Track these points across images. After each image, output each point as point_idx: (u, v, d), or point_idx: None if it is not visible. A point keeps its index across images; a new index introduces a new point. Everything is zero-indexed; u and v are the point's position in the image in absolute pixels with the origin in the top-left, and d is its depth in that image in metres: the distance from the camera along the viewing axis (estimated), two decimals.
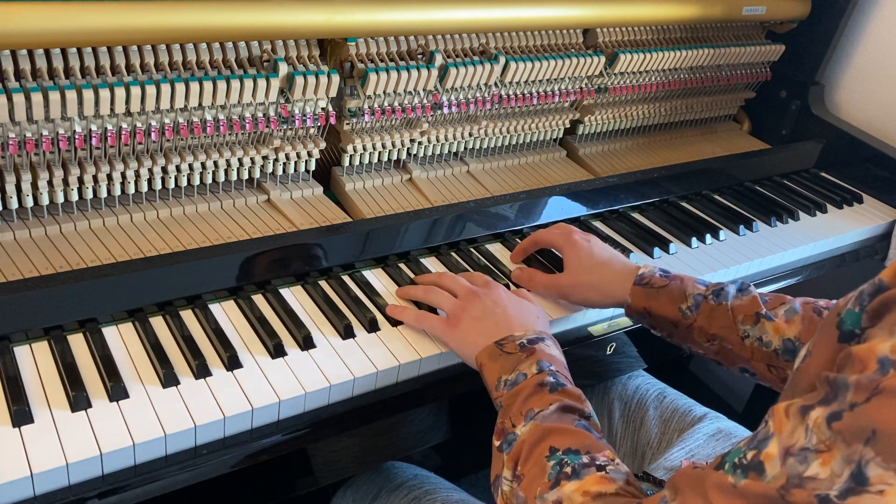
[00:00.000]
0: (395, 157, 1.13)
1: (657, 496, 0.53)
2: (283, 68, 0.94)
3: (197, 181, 0.98)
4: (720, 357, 0.83)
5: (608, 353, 0.98)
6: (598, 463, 0.60)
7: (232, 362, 0.76)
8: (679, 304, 0.83)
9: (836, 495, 0.42)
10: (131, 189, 0.93)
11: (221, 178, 0.99)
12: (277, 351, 0.79)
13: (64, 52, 0.83)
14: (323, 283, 0.91)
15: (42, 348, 0.74)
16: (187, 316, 0.82)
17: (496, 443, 0.68)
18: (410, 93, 1.06)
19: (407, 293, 0.90)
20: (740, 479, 0.46)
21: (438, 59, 1.05)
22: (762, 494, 0.45)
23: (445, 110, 1.10)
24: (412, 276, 0.94)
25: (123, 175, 0.91)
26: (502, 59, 1.10)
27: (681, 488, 0.50)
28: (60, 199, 0.88)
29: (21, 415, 0.66)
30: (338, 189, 1.12)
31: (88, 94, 0.81)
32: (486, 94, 1.13)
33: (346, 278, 0.92)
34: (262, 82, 0.91)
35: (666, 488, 0.53)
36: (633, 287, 0.86)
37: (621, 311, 0.99)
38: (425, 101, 1.08)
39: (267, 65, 0.95)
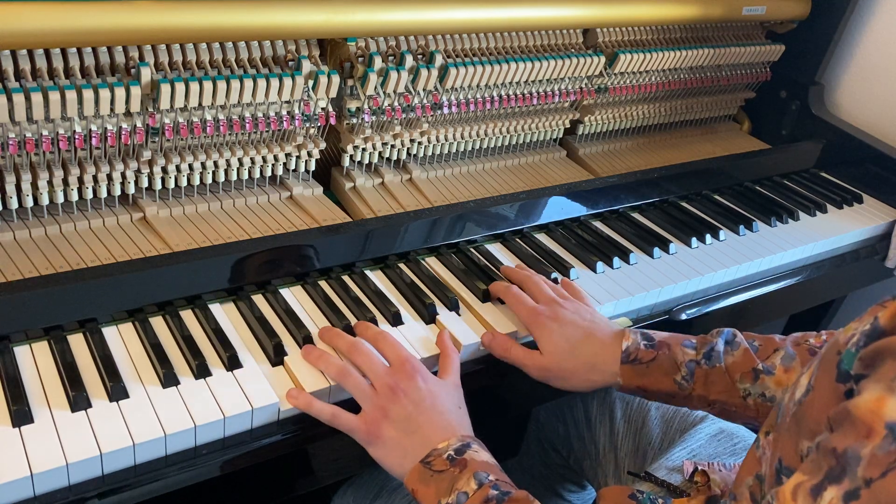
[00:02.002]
0: (395, 157, 1.13)
1: None
2: (307, 66, 0.94)
3: (197, 181, 0.97)
4: (724, 417, 0.82)
5: None
6: None
7: (232, 362, 0.76)
8: (673, 376, 0.80)
9: None
10: (131, 189, 0.93)
11: (221, 178, 0.99)
12: (277, 351, 0.78)
13: (64, 52, 0.83)
14: (323, 283, 0.90)
15: (42, 348, 0.74)
16: (187, 316, 0.82)
17: None
18: (411, 93, 1.06)
19: (319, 362, 0.78)
20: None
21: (438, 60, 1.05)
22: None
23: (445, 110, 1.10)
24: (412, 276, 0.94)
25: (123, 175, 0.91)
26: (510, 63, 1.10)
27: None
28: (60, 199, 0.88)
29: (21, 415, 0.66)
30: (338, 189, 1.12)
31: (88, 94, 0.81)
32: (486, 95, 1.13)
33: (346, 278, 0.92)
34: (262, 82, 0.91)
35: None
36: (621, 367, 0.81)
37: (621, 310, 1.00)
38: (425, 101, 1.08)
39: (265, 66, 0.95)
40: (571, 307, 0.87)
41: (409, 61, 1.02)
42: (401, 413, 0.73)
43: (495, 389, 0.90)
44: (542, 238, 1.09)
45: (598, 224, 1.14)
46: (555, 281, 0.96)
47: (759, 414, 0.79)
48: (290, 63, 0.97)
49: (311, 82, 0.95)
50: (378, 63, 1.00)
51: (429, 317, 0.88)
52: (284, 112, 0.97)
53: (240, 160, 0.99)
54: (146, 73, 0.85)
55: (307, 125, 0.99)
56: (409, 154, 1.15)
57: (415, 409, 0.73)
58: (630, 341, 0.82)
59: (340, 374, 0.76)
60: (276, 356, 0.78)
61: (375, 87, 1.01)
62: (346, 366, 0.77)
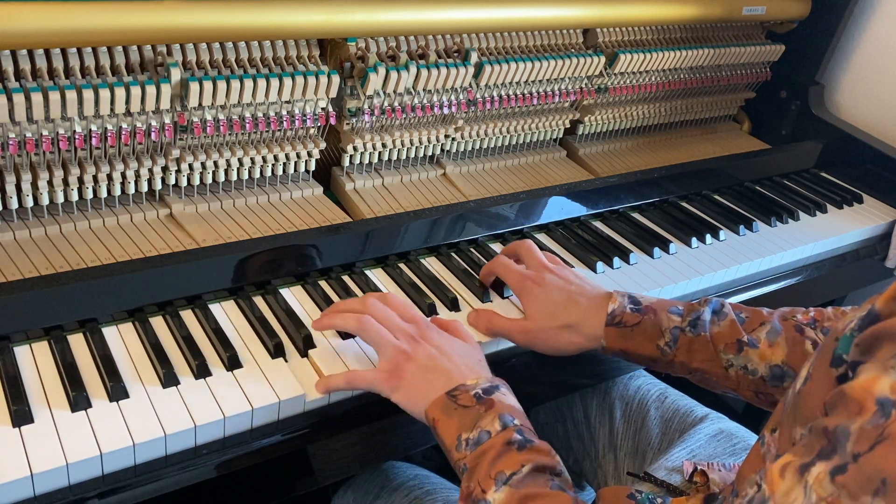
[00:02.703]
0: (394, 158, 1.13)
1: None
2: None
3: (197, 181, 0.97)
4: (703, 385, 0.82)
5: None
6: None
7: (232, 362, 0.76)
8: (656, 342, 0.80)
9: None
10: (131, 189, 0.93)
11: (221, 178, 0.99)
12: (277, 351, 0.79)
13: (64, 52, 0.83)
14: (323, 283, 0.90)
15: (42, 348, 0.74)
16: (187, 316, 0.82)
17: None
18: (411, 93, 1.06)
19: (333, 322, 0.79)
20: None
21: (433, 57, 1.05)
22: None
23: (445, 110, 1.10)
24: (412, 276, 0.94)
25: (123, 175, 0.91)
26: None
27: None
28: (60, 199, 0.88)
29: (21, 415, 0.66)
30: (338, 189, 1.12)
31: (88, 94, 0.81)
32: (485, 95, 1.13)
33: (346, 278, 0.92)
34: (261, 82, 0.91)
35: None
36: (605, 329, 0.81)
37: None
38: (425, 101, 1.08)
39: (266, 66, 0.95)
40: (559, 272, 0.87)
41: (408, 61, 1.02)
42: (424, 354, 0.74)
43: None
44: (542, 238, 1.09)
45: (598, 224, 1.15)
46: None
47: (740, 386, 0.78)
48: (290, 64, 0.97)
49: (312, 83, 0.95)
50: (378, 63, 1.00)
51: (429, 316, 0.88)
52: (284, 112, 0.97)
53: (240, 160, 0.99)
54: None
55: (307, 125, 0.99)
56: (408, 154, 1.15)
57: (437, 351, 0.74)
58: (616, 304, 0.81)
59: (360, 325, 0.76)
60: (277, 356, 0.78)
61: (375, 89, 1.01)
62: (366, 316, 0.77)
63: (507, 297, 0.93)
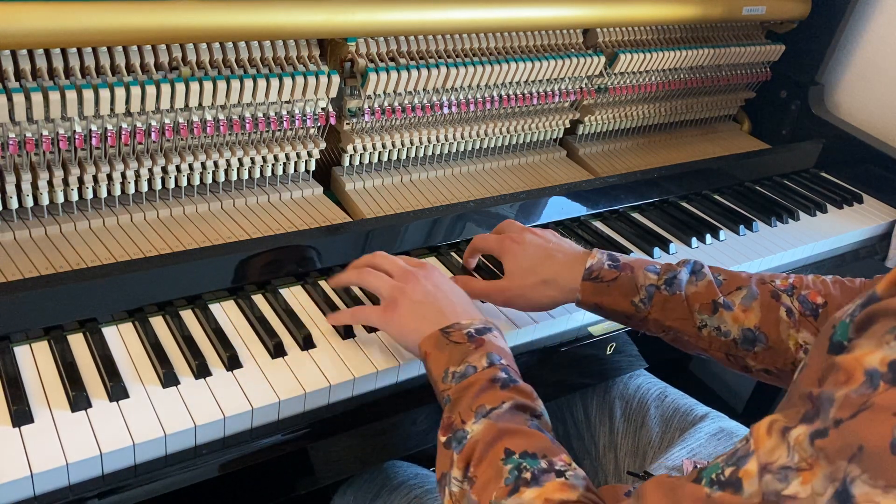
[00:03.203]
0: (394, 157, 1.13)
1: (624, 503, 0.51)
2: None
3: (197, 181, 0.98)
4: (676, 344, 0.82)
5: (608, 352, 0.98)
6: (557, 468, 0.58)
7: (232, 362, 0.76)
8: (631, 298, 0.80)
9: None
10: (131, 189, 0.93)
11: (221, 178, 0.99)
12: (277, 351, 0.79)
13: (64, 52, 0.83)
14: (323, 284, 0.90)
15: (42, 348, 0.74)
16: (187, 316, 0.82)
17: (442, 438, 0.65)
18: (411, 93, 1.06)
19: (339, 281, 0.84)
20: (716, 492, 0.45)
21: (437, 59, 1.05)
22: None
23: (445, 110, 1.10)
24: None
25: (123, 175, 0.91)
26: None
27: (647, 495, 0.49)
28: (60, 199, 0.88)
29: (21, 415, 0.66)
30: (338, 189, 1.12)
31: (88, 94, 0.81)
32: (486, 95, 1.13)
33: None
34: (262, 82, 0.91)
35: (633, 496, 0.51)
36: (581, 283, 0.81)
37: None
38: (425, 101, 1.08)
39: (266, 66, 0.95)
40: (539, 232, 0.89)
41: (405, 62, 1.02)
42: (419, 289, 0.76)
43: None
44: None
45: (598, 224, 1.14)
46: None
47: (711, 346, 0.79)
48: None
49: (312, 83, 0.95)
50: (380, 69, 1.00)
51: None
52: (284, 112, 0.97)
53: (240, 160, 0.99)
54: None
55: (307, 125, 0.99)
56: (408, 154, 1.15)
57: (434, 288, 0.77)
58: (595, 260, 0.82)
59: (360, 275, 0.81)
60: (277, 356, 0.78)
61: (375, 89, 1.01)
62: (366, 268, 0.81)
63: None
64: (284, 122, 0.97)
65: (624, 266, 0.82)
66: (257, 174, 1.02)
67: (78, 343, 0.76)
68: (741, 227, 1.19)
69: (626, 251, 1.06)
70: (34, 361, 0.73)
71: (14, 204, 0.86)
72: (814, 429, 0.42)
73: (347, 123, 1.06)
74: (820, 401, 0.43)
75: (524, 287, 0.84)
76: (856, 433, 0.40)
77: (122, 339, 0.77)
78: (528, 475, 0.57)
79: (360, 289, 0.91)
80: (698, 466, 0.82)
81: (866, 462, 0.39)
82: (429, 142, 1.14)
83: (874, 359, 0.41)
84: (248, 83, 0.90)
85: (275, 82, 0.92)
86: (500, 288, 0.85)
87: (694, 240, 1.13)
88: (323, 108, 1.00)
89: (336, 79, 0.96)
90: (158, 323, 0.80)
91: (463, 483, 0.61)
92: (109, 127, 0.85)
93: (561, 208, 1.12)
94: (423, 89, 1.06)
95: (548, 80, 1.18)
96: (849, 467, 0.40)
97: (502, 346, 0.72)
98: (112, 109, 0.84)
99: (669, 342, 0.83)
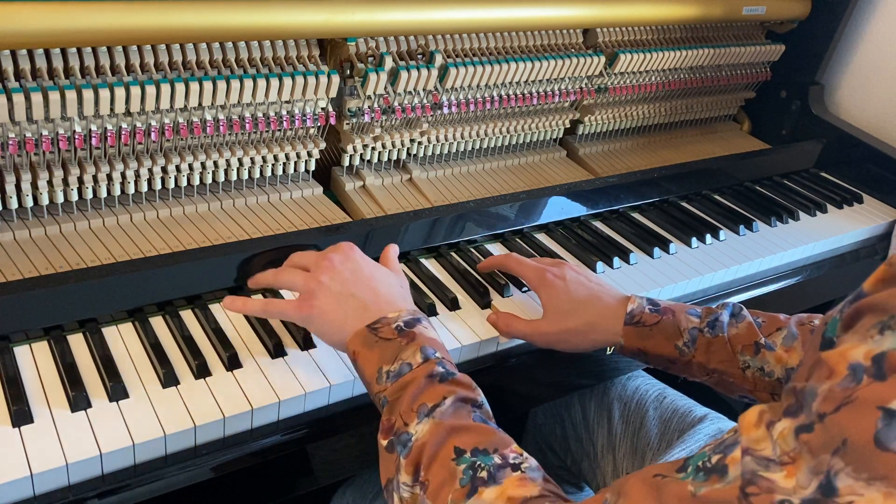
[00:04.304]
0: (395, 157, 1.13)
1: (599, 497, 0.50)
2: (388, 62, 0.97)
3: (197, 181, 0.98)
4: (720, 387, 0.82)
5: (607, 352, 0.98)
6: (511, 462, 0.57)
7: (232, 362, 0.76)
8: (675, 342, 0.80)
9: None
10: (131, 189, 0.93)
11: (221, 178, 0.99)
12: (277, 351, 0.79)
13: (64, 52, 0.83)
14: None
15: (42, 348, 0.74)
16: (187, 316, 0.82)
17: (383, 442, 0.63)
18: (410, 93, 1.06)
19: (257, 281, 0.81)
20: (701, 485, 0.45)
21: (438, 59, 1.05)
22: (722, 500, 0.44)
23: (445, 110, 1.10)
24: (412, 276, 0.94)
25: (123, 175, 0.91)
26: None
27: (630, 494, 0.48)
28: (60, 199, 0.88)
29: (21, 415, 0.66)
30: (338, 189, 1.12)
31: (88, 94, 0.81)
32: (486, 95, 1.13)
33: None
34: (261, 82, 0.91)
35: (609, 490, 0.50)
36: (624, 328, 0.81)
37: None
38: (425, 101, 1.08)
39: (266, 66, 0.95)
40: (578, 268, 0.88)
41: (390, 62, 1.02)
42: (336, 280, 0.73)
43: (493, 391, 0.89)
44: (542, 238, 1.09)
45: (598, 224, 1.15)
46: None
47: (756, 388, 0.79)
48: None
49: (312, 83, 0.95)
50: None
51: (429, 317, 0.88)
52: (284, 112, 0.97)
53: (240, 160, 0.99)
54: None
55: (307, 125, 0.99)
56: (409, 154, 1.15)
57: (352, 275, 0.73)
58: (635, 304, 0.82)
59: (276, 276, 0.78)
60: (277, 356, 0.78)
61: (375, 89, 1.01)
62: (279, 269, 0.79)
63: (509, 297, 0.93)
64: (284, 122, 0.97)
65: (665, 310, 0.82)
66: (257, 174, 1.02)
67: (78, 343, 0.76)
68: (741, 227, 1.20)
69: (627, 251, 1.06)
70: (34, 361, 0.73)
71: (14, 204, 0.86)
72: (798, 423, 0.42)
73: (347, 123, 1.06)
74: (803, 395, 0.43)
75: (567, 332, 0.82)
76: (840, 426, 0.40)
77: (122, 339, 0.77)
78: (483, 473, 0.56)
79: None
80: None
81: (850, 455, 0.39)
82: (429, 142, 1.15)
83: (858, 353, 0.41)
84: (248, 83, 0.90)
85: (275, 82, 0.92)
86: (542, 332, 0.84)
87: (694, 240, 1.13)
88: (323, 108, 1.00)
89: (336, 79, 0.96)
90: (158, 323, 0.80)
91: (414, 487, 0.59)
92: (109, 127, 0.85)
93: (561, 208, 1.12)
94: (424, 89, 1.06)
95: (548, 80, 1.18)
96: (832, 460, 0.40)
97: (433, 336, 0.69)
98: (112, 109, 0.84)
99: (713, 386, 0.82)
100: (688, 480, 0.46)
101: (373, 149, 1.09)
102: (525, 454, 0.59)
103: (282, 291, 0.86)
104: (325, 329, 0.72)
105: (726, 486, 0.44)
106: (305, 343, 0.80)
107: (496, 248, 1.04)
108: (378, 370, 0.66)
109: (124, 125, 0.87)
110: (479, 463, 0.57)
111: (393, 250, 0.83)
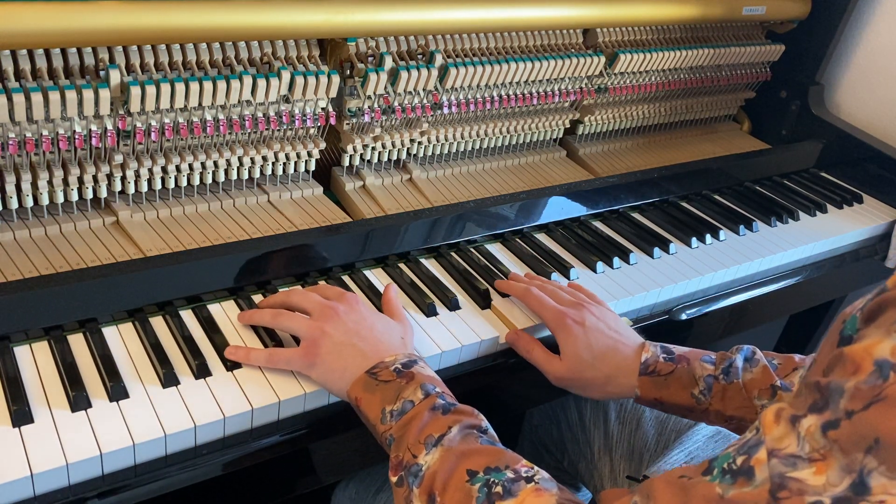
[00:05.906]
0: (395, 157, 1.13)
1: (626, 499, 0.50)
2: (388, 62, 0.98)
3: (197, 181, 0.98)
4: (739, 433, 0.81)
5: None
6: (524, 475, 0.57)
7: (232, 362, 0.76)
8: (690, 390, 0.80)
9: (829, 503, 0.41)
10: (131, 189, 0.93)
11: (221, 178, 0.99)
12: None
13: (64, 52, 0.83)
14: (323, 283, 0.90)
15: (42, 348, 0.74)
16: (187, 316, 0.82)
17: (393, 478, 0.64)
18: (410, 93, 1.06)
19: (252, 319, 0.80)
20: (728, 488, 0.45)
21: (438, 59, 1.05)
22: (752, 502, 0.44)
23: (445, 110, 1.10)
24: (412, 276, 0.94)
25: (123, 175, 0.91)
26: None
27: (657, 496, 0.48)
28: (60, 199, 0.88)
29: (21, 415, 0.66)
30: (338, 189, 1.12)
31: (88, 94, 0.81)
32: (486, 95, 1.13)
33: (345, 278, 0.92)
34: (261, 82, 0.91)
35: (637, 492, 0.50)
36: (639, 378, 0.81)
37: (622, 310, 1.00)
38: (425, 101, 1.08)
39: (266, 66, 0.95)
40: (598, 312, 0.85)
41: (390, 62, 1.02)
42: (339, 328, 0.74)
43: (489, 391, 0.90)
44: (542, 238, 1.09)
45: (598, 224, 1.15)
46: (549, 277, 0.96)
47: None
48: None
49: (312, 83, 0.95)
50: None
51: (429, 317, 0.88)
52: (284, 112, 0.97)
53: (240, 160, 0.99)
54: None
55: (307, 125, 0.99)
56: (409, 154, 1.15)
57: (355, 325, 0.75)
58: (650, 354, 0.82)
59: (275, 317, 0.78)
60: None
61: (375, 89, 1.01)
62: (279, 310, 0.78)
63: (509, 297, 0.93)
64: (284, 122, 0.97)
65: (679, 358, 0.81)
66: (257, 174, 1.02)
67: (78, 343, 0.76)
68: (741, 227, 1.20)
69: (627, 251, 1.06)
70: (34, 361, 0.73)
71: (14, 204, 0.86)
72: (825, 420, 0.42)
73: (347, 123, 1.06)
74: (829, 391, 0.43)
75: (583, 381, 0.82)
76: (871, 425, 0.40)
77: (122, 339, 0.77)
78: (498, 489, 0.57)
79: (363, 290, 0.91)
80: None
81: (883, 454, 0.39)
82: (429, 142, 1.15)
83: (884, 349, 0.41)
84: (248, 83, 0.90)
85: (275, 82, 0.92)
86: (558, 375, 0.83)
87: (694, 240, 1.13)
88: (323, 108, 1.00)
89: (336, 79, 0.96)
90: (158, 323, 0.80)
91: None
92: (109, 127, 0.85)
93: (561, 208, 1.12)
94: (424, 89, 1.06)
95: (548, 80, 1.18)
96: (865, 459, 0.40)
97: (431, 374, 0.71)
98: (113, 109, 0.84)
99: (734, 431, 0.82)
100: (715, 483, 0.46)
101: (373, 149, 1.10)
102: (536, 467, 0.59)
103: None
104: (328, 377, 0.73)
105: (754, 490, 0.44)
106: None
107: (496, 248, 1.04)
108: (381, 411, 0.68)
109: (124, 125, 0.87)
110: (492, 480, 0.57)
111: (394, 291, 0.85)
